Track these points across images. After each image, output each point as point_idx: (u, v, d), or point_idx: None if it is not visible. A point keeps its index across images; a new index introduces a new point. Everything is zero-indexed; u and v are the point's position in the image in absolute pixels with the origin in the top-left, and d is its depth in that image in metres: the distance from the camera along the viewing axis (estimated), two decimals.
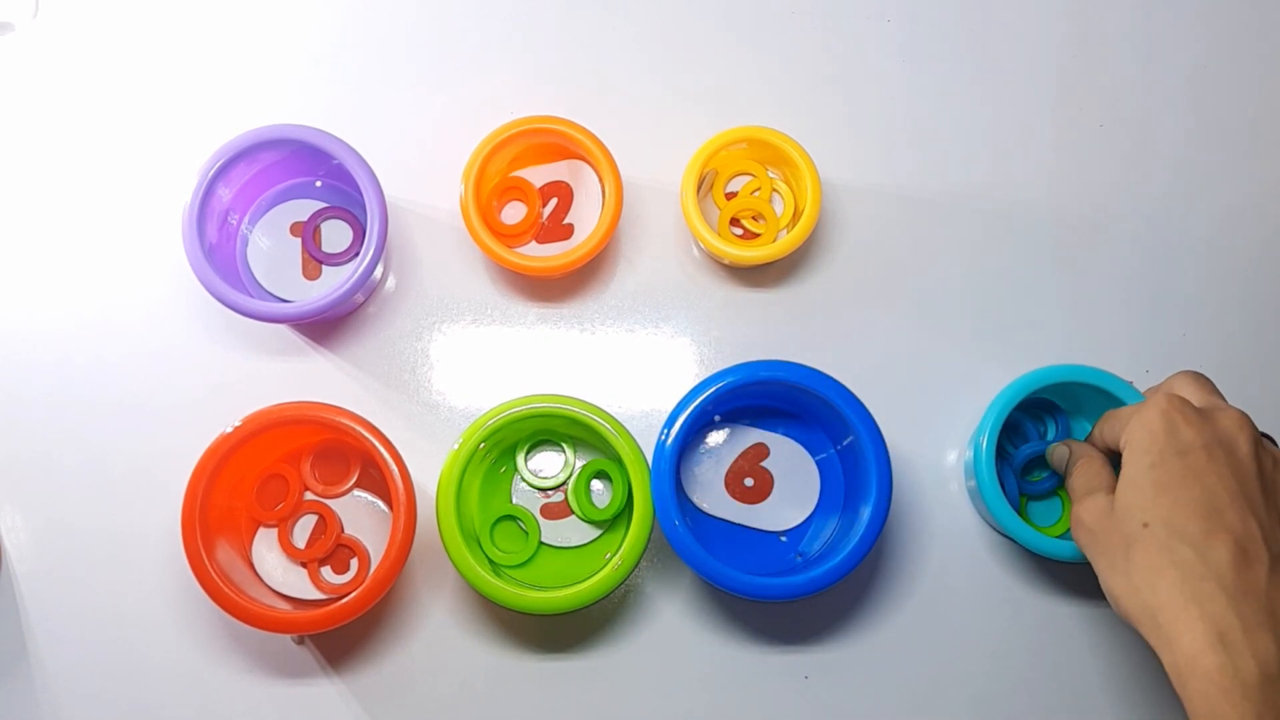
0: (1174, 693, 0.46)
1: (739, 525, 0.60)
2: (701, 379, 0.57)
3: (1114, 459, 0.54)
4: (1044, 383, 0.57)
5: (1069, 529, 0.55)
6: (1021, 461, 0.60)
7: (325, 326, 0.63)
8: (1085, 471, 0.54)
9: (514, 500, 0.61)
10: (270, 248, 0.63)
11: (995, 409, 0.57)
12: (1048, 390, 0.58)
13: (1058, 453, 0.58)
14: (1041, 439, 0.60)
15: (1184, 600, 0.46)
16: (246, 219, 0.63)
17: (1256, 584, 0.46)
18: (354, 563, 0.60)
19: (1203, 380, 0.53)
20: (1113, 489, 0.51)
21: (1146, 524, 0.48)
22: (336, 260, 0.63)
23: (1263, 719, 0.43)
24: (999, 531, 0.60)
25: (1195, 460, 0.48)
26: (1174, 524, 0.47)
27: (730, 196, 0.64)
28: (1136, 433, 0.50)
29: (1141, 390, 0.56)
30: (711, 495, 0.60)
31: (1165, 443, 0.49)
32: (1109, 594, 0.50)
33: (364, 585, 0.54)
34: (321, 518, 0.60)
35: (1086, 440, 0.57)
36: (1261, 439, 0.50)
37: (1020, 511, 0.60)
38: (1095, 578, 0.51)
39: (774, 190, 0.64)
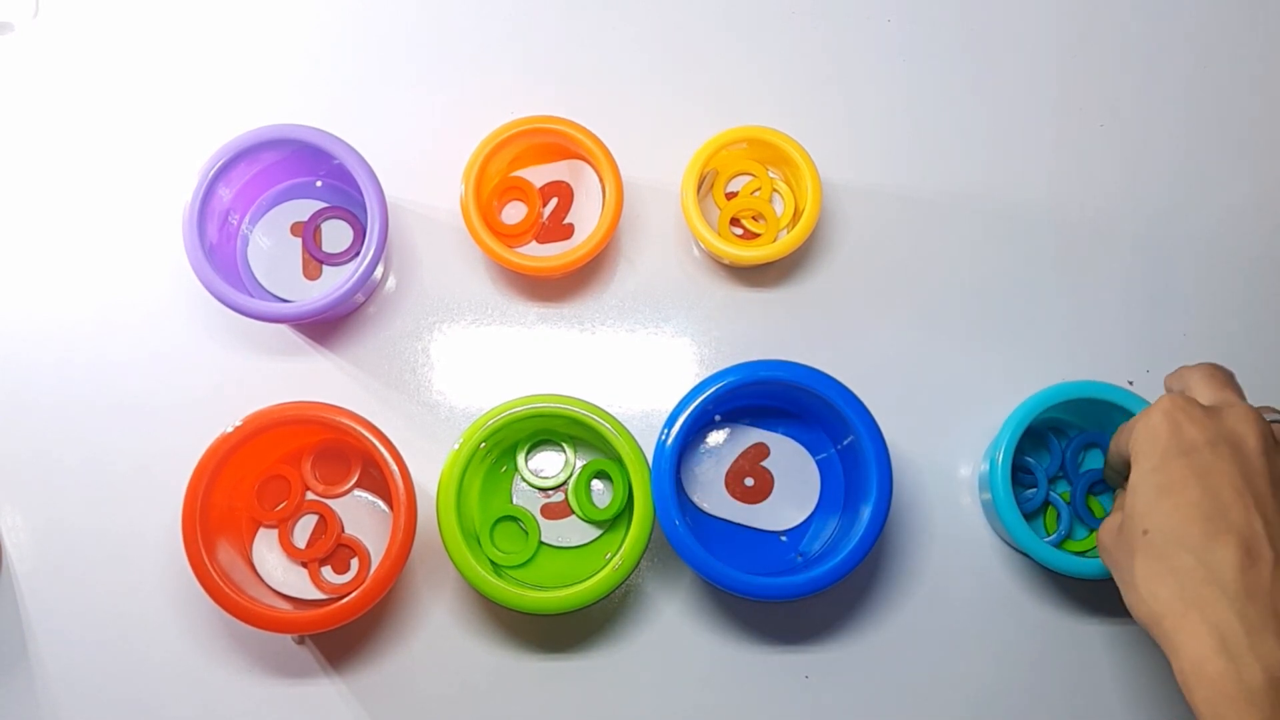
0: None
1: (739, 525, 0.60)
2: (701, 379, 0.57)
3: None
4: (1062, 398, 0.57)
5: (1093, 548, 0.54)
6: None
7: (325, 326, 0.63)
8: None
9: (514, 500, 0.61)
10: (271, 248, 0.63)
11: (1011, 425, 0.57)
12: (1065, 407, 0.57)
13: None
14: (1062, 453, 0.60)
15: (1184, 606, 0.45)
16: (247, 219, 0.63)
17: (1261, 584, 0.44)
18: (354, 563, 0.60)
19: (1217, 373, 0.51)
20: None
21: (1146, 530, 0.47)
22: (337, 260, 0.63)
23: None
24: (1012, 547, 0.60)
25: (1199, 459, 0.46)
26: (1173, 529, 0.46)
27: (730, 196, 0.64)
28: (1140, 438, 0.49)
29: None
30: (712, 495, 0.60)
31: (1168, 443, 0.47)
32: (1127, 606, 0.49)
33: (364, 585, 0.54)
34: (322, 518, 0.60)
35: (1106, 459, 0.56)
36: (1273, 436, 0.48)
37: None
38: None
39: (774, 190, 0.64)
